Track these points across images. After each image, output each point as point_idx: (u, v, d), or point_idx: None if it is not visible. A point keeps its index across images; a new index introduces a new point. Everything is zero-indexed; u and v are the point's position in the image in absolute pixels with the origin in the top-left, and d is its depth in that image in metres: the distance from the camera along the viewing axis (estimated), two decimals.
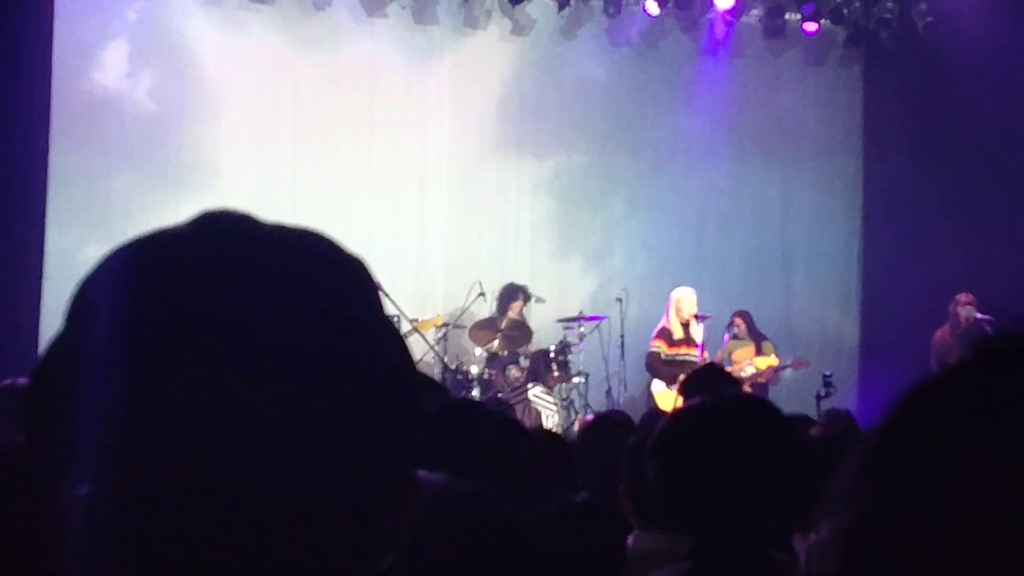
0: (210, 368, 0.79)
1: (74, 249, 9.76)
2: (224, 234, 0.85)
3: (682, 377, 9.91)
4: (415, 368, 0.92)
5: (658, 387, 10.46)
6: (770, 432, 2.31)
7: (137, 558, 0.79)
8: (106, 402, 0.79)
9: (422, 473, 1.09)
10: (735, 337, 10.97)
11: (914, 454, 0.71)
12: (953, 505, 0.68)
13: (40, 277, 8.17)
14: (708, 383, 5.05)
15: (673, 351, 10.48)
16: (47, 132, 8.63)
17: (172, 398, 0.79)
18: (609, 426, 4.25)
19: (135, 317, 0.81)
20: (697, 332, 10.57)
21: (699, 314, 10.59)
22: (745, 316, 11.07)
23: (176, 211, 10.54)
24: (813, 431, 4.37)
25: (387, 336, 0.88)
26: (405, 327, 10.08)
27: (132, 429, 0.79)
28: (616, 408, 9.12)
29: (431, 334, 10.39)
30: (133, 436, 0.79)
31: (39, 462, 0.81)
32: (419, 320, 10.26)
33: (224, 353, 0.80)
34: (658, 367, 10.51)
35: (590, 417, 4.84)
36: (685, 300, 10.57)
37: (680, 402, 5.95)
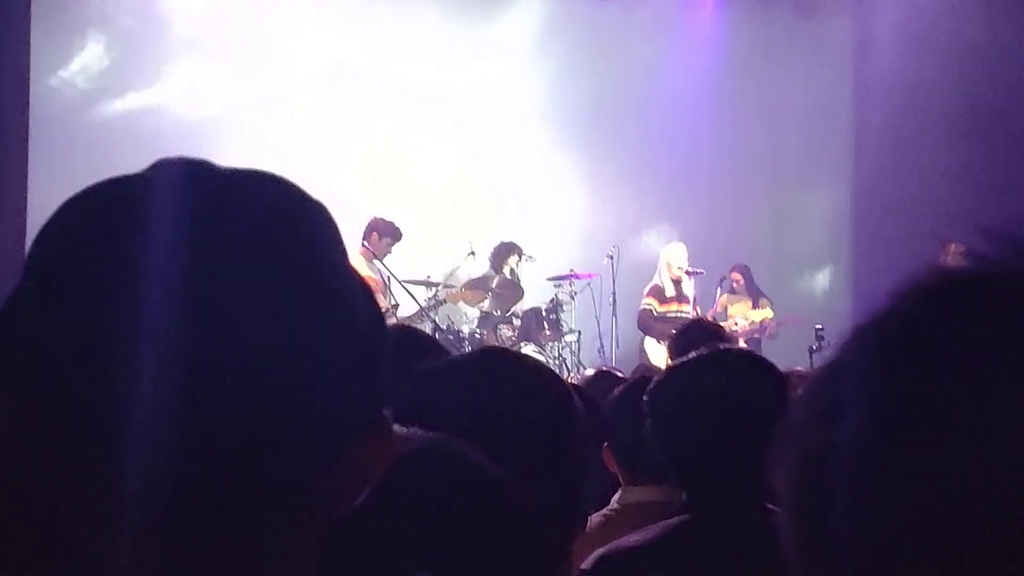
0: (170, 312, 0.78)
1: None
2: (182, 179, 0.84)
3: (670, 331, 9.97)
4: (382, 314, 0.91)
5: (651, 344, 10.45)
6: (763, 383, 2.33)
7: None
8: (66, 350, 0.78)
9: (399, 428, 1.08)
10: (732, 291, 10.92)
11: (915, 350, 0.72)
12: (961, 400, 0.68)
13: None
14: (698, 338, 5.06)
15: (665, 308, 10.45)
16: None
17: (132, 342, 0.78)
18: (608, 381, 4.25)
19: (93, 264, 0.80)
20: (689, 288, 10.53)
21: (690, 270, 10.53)
22: (743, 270, 11.01)
23: None
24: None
25: (350, 279, 0.87)
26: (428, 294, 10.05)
27: (92, 376, 0.78)
28: (609, 365, 9.10)
29: (422, 293, 10.33)
30: (92, 383, 0.78)
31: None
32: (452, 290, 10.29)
33: (184, 297, 0.79)
34: (650, 324, 10.48)
35: (590, 372, 4.87)
36: (676, 256, 10.53)
37: (670, 358, 5.98)
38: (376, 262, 9.72)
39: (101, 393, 0.78)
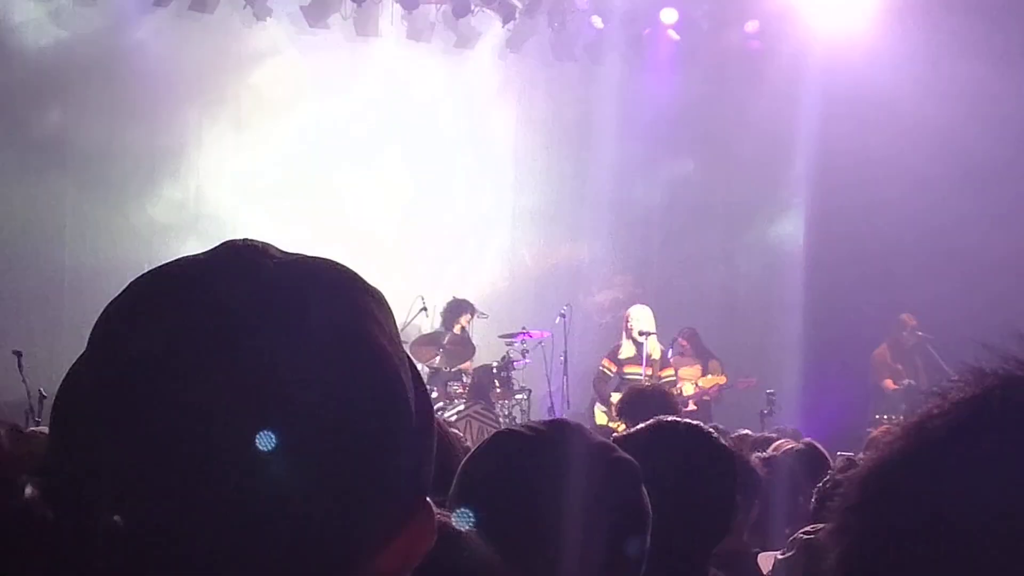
0: (228, 397, 0.81)
1: None
2: (245, 264, 0.87)
3: (612, 394, 9.97)
4: (429, 399, 0.93)
5: (598, 406, 10.42)
6: (707, 456, 2.36)
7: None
8: (129, 425, 0.81)
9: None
10: (681, 355, 10.93)
11: (917, 485, 0.73)
12: (958, 535, 0.70)
13: None
14: (641, 406, 5.10)
15: (619, 370, 10.40)
16: None
17: (192, 423, 0.80)
18: None
19: (157, 345, 0.83)
20: (655, 349, 10.45)
21: (643, 330, 10.48)
22: (690, 334, 11.02)
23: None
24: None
25: (405, 368, 0.89)
26: None
27: (153, 451, 0.80)
28: None
29: None
30: (153, 458, 0.80)
31: (64, 483, 0.81)
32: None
33: (242, 382, 0.81)
34: (597, 385, 10.47)
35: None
36: (633, 316, 10.48)
37: (617, 421, 5.99)
38: None
39: (154, 463, 0.80)
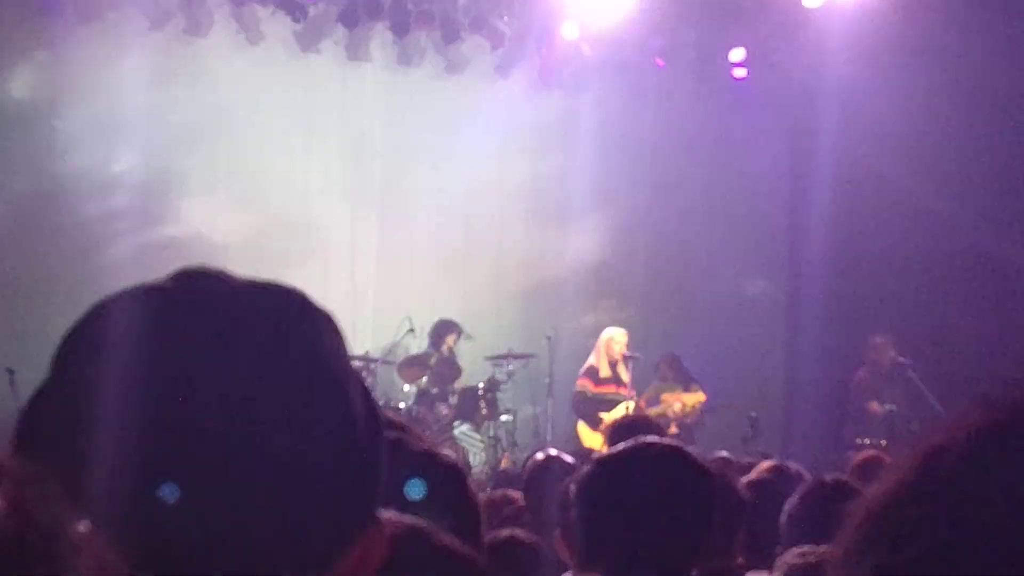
0: (183, 418, 0.83)
1: None
2: (201, 289, 0.90)
3: (602, 415, 10.04)
4: (380, 417, 0.95)
5: (583, 427, 10.48)
6: (687, 477, 2.38)
7: None
8: (93, 445, 0.83)
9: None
10: (662, 380, 11.01)
11: (931, 520, 0.74)
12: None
13: None
14: (635, 433, 5.12)
15: (599, 390, 10.50)
16: None
17: (153, 442, 0.83)
18: (557, 466, 4.29)
19: (119, 367, 0.85)
20: (624, 372, 10.60)
21: (627, 354, 10.62)
22: (671, 359, 11.10)
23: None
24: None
25: (354, 387, 0.92)
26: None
27: (116, 470, 0.83)
28: (543, 447, 9.13)
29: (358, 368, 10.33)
30: (117, 476, 0.82)
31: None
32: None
33: (200, 403, 0.84)
34: (581, 406, 10.53)
35: (540, 456, 4.86)
36: (615, 340, 10.60)
37: (605, 447, 5.98)
38: None
39: (122, 495, 0.83)
